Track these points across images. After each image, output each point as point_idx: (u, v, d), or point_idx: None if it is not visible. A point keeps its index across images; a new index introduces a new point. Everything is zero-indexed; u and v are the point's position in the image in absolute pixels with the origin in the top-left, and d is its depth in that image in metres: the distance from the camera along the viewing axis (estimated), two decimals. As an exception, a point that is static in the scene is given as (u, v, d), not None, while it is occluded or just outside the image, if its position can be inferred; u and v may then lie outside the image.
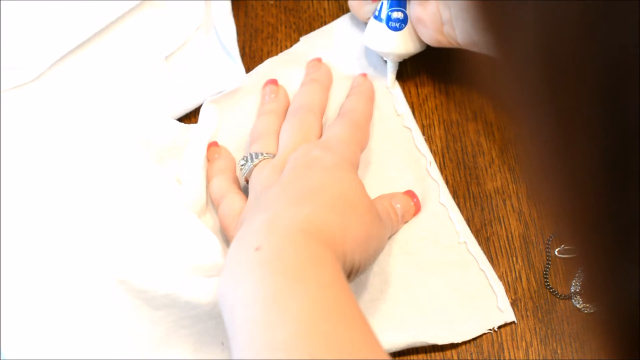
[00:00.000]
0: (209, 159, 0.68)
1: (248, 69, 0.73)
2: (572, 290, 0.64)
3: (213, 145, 0.68)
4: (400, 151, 0.69)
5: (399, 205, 0.65)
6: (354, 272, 0.56)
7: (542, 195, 0.31)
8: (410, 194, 0.66)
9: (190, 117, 0.71)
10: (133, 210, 0.64)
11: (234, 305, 0.50)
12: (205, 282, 0.60)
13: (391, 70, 0.72)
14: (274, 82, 0.71)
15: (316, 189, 0.57)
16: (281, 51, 0.74)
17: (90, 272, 0.61)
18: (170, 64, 0.72)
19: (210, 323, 0.60)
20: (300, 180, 0.58)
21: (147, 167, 0.66)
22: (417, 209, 0.66)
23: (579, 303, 0.63)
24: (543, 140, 0.29)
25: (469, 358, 0.62)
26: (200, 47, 0.73)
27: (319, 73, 0.71)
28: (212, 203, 0.66)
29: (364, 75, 0.72)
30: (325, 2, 0.77)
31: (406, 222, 0.66)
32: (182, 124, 0.69)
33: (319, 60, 0.72)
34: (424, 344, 0.62)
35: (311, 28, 0.75)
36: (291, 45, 0.74)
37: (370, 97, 0.70)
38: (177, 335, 0.60)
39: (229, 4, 0.75)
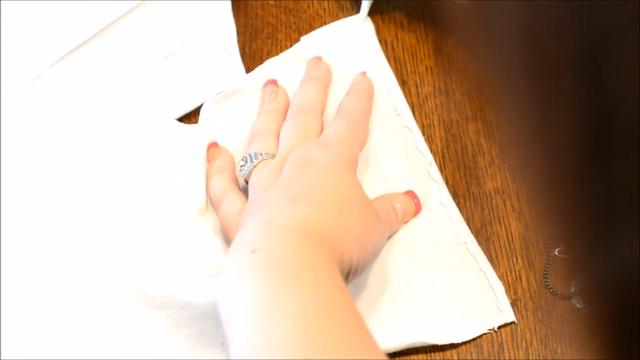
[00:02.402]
0: (208, 160, 0.68)
1: (248, 69, 0.73)
2: (572, 290, 0.64)
3: (213, 145, 0.68)
4: (400, 151, 0.69)
5: (399, 205, 0.65)
6: (352, 271, 0.56)
7: (525, 177, 0.30)
8: (410, 194, 0.66)
9: (190, 117, 0.71)
10: (133, 210, 0.64)
11: (231, 307, 0.50)
12: (206, 282, 0.60)
13: (366, 3, 0.74)
14: (273, 82, 0.71)
15: (313, 188, 0.57)
16: (281, 51, 0.74)
17: (91, 272, 0.62)
18: (170, 64, 0.72)
19: (210, 323, 0.60)
20: (298, 180, 0.58)
21: (147, 167, 0.66)
22: (418, 209, 0.66)
23: (579, 303, 0.63)
24: (523, 118, 0.29)
25: (469, 358, 0.62)
26: (200, 47, 0.73)
27: (318, 70, 0.71)
28: (212, 203, 0.66)
29: (364, 73, 0.72)
30: (325, 2, 0.77)
31: (406, 222, 0.66)
32: (182, 124, 0.69)
33: (319, 58, 0.72)
34: (424, 344, 0.62)
35: (311, 28, 0.75)
36: (291, 45, 0.74)
37: (369, 95, 0.70)
38: (177, 335, 0.60)
39: (229, 4, 0.75)
